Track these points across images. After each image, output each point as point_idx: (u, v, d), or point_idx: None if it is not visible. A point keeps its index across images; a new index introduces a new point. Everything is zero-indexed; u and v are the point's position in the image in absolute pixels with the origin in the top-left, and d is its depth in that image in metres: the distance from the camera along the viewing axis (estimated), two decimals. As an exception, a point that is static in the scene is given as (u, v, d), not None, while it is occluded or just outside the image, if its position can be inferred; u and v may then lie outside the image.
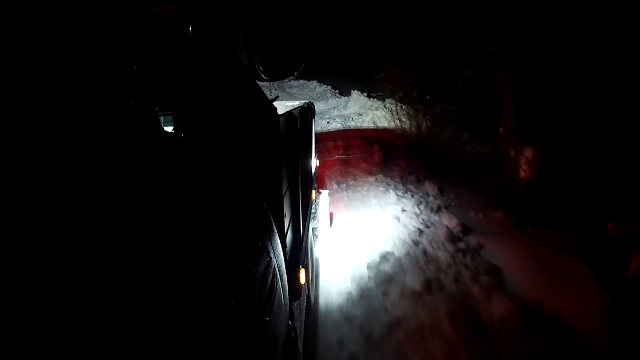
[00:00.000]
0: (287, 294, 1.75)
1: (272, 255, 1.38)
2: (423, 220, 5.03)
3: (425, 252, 4.09)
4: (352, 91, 11.04)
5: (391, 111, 9.26)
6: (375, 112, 10.41)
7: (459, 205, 5.67)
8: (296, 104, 3.81)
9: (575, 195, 4.82)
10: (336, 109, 12.37)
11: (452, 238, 4.39)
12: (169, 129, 1.06)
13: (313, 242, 3.99)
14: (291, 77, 2.18)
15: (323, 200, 5.04)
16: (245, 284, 1.03)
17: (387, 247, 4.29)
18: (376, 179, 6.65)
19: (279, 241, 1.60)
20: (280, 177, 1.93)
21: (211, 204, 1.03)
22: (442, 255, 4.06)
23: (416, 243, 4.24)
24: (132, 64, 0.81)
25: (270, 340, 1.22)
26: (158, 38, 0.93)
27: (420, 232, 4.65)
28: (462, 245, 4.27)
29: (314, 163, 4.61)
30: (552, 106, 5.31)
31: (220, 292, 0.86)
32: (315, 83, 12.28)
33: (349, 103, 11.07)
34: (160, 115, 1.53)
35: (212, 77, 1.23)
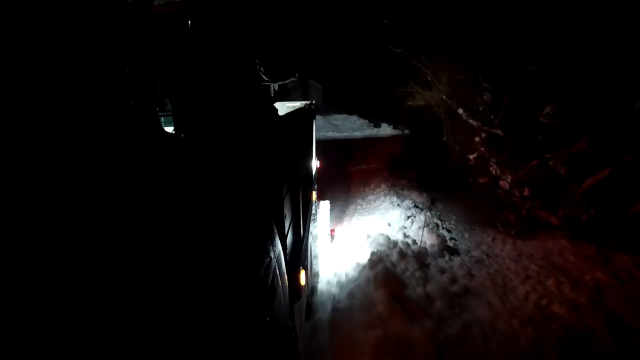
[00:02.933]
0: (287, 294, 1.74)
1: (272, 255, 1.38)
2: (397, 175, 9.53)
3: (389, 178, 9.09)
4: (382, 123, 15.00)
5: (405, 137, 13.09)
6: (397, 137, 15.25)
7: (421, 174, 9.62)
8: (297, 104, 3.80)
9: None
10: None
11: (410, 184, 8.80)
12: (169, 129, 1.06)
13: (313, 244, 3.98)
14: (292, 79, 2.17)
15: (323, 211, 4.96)
16: (245, 284, 1.02)
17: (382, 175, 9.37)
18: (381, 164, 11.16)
19: (279, 242, 1.60)
20: (280, 177, 1.93)
21: (211, 204, 1.03)
22: (401, 184, 8.76)
23: (390, 185, 8.80)
24: (133, 64, 0.81)
25: (270, 340, 1.22)
26: (159, 39, 0.93)
27: (392, 177, 9.29)
28: (412, 182, 8.81)
29: (314, 164, 4.60)
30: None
31: (221, 292, 0.86)
32: (355, 117, 16.33)
33: (379, 132, 15.08)
34: (161, 116, 1.53)
35: (213, 77, 1.23)
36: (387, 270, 4.51)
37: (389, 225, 6.34)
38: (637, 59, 4.35)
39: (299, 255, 2.39)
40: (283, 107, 3.31)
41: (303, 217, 2.67)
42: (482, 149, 6.05)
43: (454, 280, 4.74)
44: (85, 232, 0.54)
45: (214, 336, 0.78)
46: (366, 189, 8.63)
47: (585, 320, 3.66)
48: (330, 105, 16.84)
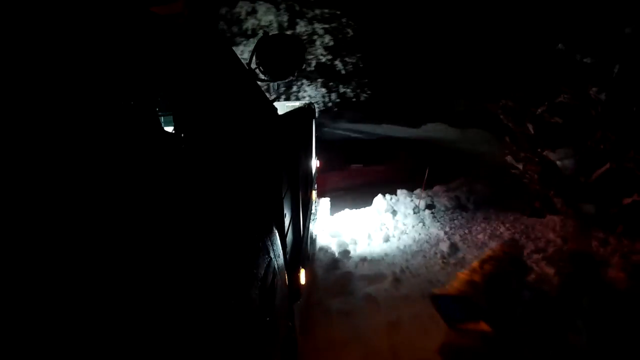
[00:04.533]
0: (287, 294, 1.75)
1: (272, 255, 1.38)
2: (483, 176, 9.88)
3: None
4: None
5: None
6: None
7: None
8: (296, 104, 3.80)
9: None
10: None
11: (484, 180, 8.85)
12: (169, 129, 1.06)
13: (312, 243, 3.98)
14: (291, 77, 2.17)
15: (323, 209, 5.03)
16: (245, 284, 1.03)
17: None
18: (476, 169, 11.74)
19: (279, 241, 1.60)
20: (280, 177, 1.93)
21: (211, 204, 1.03)
22: (479, 181, 8.74)
23: (466, 182, 9.06)
24: (132, 64, 0.80)
25: (270, 341, 1.22)
26: (158, 38, 0.92)
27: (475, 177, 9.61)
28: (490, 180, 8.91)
29: (314, 163, 4.60)
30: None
31: (221, 292, 0.86)
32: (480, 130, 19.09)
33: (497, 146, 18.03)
34: (160, 116, 1.53)
35: (212, 77, 1.23)
36: (388, 205, 6.47)
37: (422, 191, 7.92)
38: (586, 59, 5.13)
39: (299, 255, 2.39)
40: (282, 106, 3.31)
41: (303, 216, 2.67)
42: (510, 144, 7.31)
43: (434, 217, 6.29)
44: (85, 231, 0.54)
45: (214, 336, 0.78)
46: (446, 183, 9.47)
47: (489, 242, 4.78)
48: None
